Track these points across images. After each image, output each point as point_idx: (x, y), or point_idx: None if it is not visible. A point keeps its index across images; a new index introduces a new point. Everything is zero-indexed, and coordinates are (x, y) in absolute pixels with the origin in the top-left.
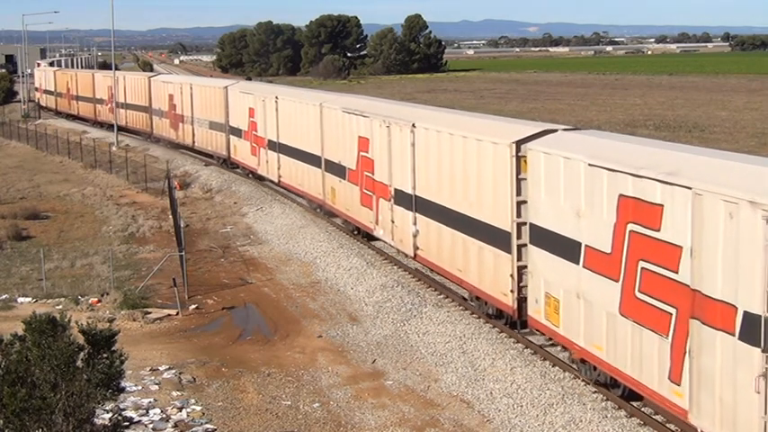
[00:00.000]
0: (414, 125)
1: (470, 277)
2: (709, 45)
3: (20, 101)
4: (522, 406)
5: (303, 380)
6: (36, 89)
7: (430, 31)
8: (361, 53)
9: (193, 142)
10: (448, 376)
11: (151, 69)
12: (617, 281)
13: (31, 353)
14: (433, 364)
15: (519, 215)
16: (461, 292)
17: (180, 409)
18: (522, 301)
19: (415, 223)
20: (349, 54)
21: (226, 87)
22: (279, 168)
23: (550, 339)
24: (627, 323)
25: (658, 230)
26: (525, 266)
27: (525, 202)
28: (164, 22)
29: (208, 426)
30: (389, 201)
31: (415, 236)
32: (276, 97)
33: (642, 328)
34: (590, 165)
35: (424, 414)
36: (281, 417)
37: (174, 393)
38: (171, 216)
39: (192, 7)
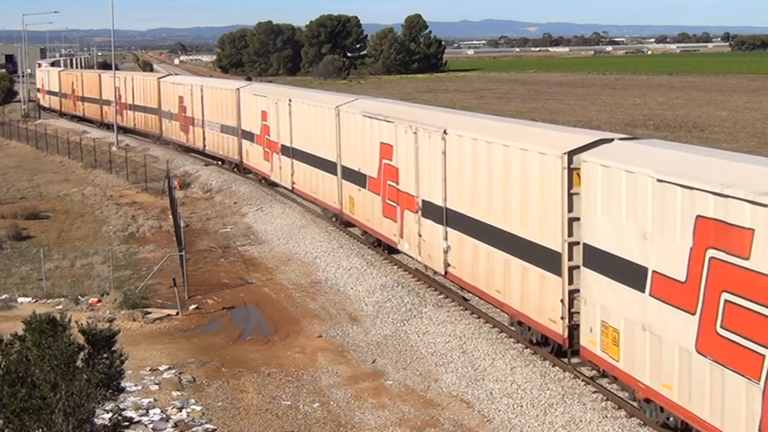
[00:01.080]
0: (445, 132)
1: (512, 300)
2: (710, 45)
3: (20, 101)
4: (522, 406)
5: (303, 380)
6: (38, 90)
7: (430, 31)
8: (361, 53)
9: (204, 146)
10: (448, 376)
11: (151, 69)
12: (693, 313)
13: (31, 353)
14: (433, 363)
15: (570, 234)
16: (493, 312)
17: (180, 409)
18: (573, 328)
19: (445, 238)
20: (349, 54)
21: (238, 89)
22: (292, 175)
23: (604, 372)
24: (705, 362)
25: (747, 258)
26: (577, 291)
27: (578, 219)
28: (164, 22)
29: (208, 426)
30: (416, 213)
31: (445, 252)
32: (290, 100)
33: (724, 368)
34: (659, 180)
35: (424, 414)
36: (281, 417)
37: (174, 393)
38: (171, 216)
39: (191, 7)
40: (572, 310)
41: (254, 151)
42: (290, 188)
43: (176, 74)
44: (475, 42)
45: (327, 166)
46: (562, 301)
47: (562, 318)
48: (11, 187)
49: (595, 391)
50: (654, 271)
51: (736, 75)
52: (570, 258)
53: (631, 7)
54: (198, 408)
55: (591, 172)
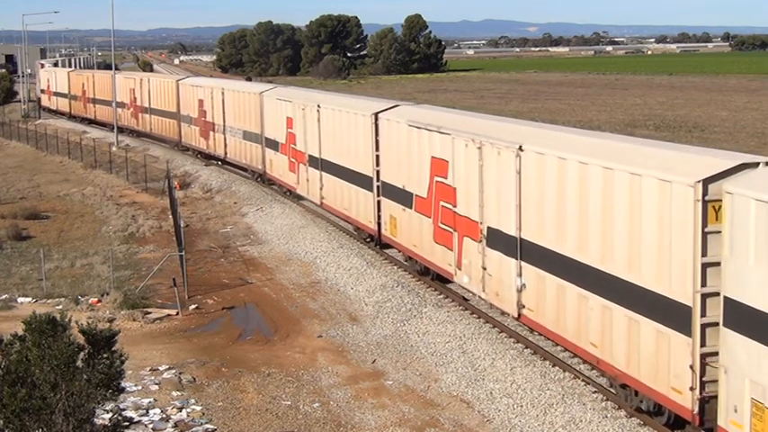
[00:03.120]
0: (521, 148)
1: (614, 358)
2: (710, 45)
3: (20, 101)
4: (522, 406)
5: (303, 380)
6: (42, 91)
7: (430, 31)
8: (361, 53)
9: (225, 153)
10: (448, 376)
11: (151, 69)
12: None
13: (31, 353)
14: (433, 364)
15: (705, 283)
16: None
17: (180, 409)
18: (704, 401)
19: (520, 275)
20: (349, 54)
21: (261, 93)
22: (321, 189)
23: None
24: None
25: None
26: (713, 355)
27: (716, 264)
28: (164, 22)
29: (208, 426)
30: (479, 242)
31: (519, 291)
32: (318, 106)
33: None
34: None
35: (424, 414)
36: (281, 417)
37: (174, 393)
38: (171, 216)
39: (191, 7)
40: (704, 379)
41: (278, 161)
42: (318, 203)
43: (195, 75)
44: (475, 42)
45: (362, 180)
46: (692, 367)
47: (691, 388)
48: (11, 187)
49: (595, 392)
50: None
51: (736, 75)
52: (704, 314)
53: (631, 7)
54: (198, 408)
55: (739, 206)
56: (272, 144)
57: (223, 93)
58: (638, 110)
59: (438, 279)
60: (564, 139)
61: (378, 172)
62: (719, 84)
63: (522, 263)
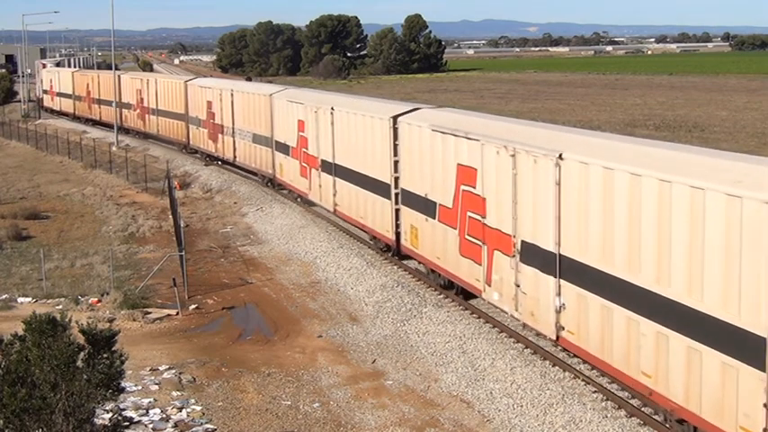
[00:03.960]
0: (561, 156)
1: (669, 390)
2: (710, 45)
3: (20, 101)
4: (522, 406)
5: (303, 380)
6: (44, 91)
7: (430, 31)
8: (361, 53)
9: (234, 157)
10: (448, 376)
11: (151, 69)
12: None
13: (31, 353)
14: (433, 363)
15: None
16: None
17: (180, 409)
18: None
19: (558, 294)
20: (349, 54)
21: (271, 95)
22: (335, 195)
23: None
24: None
25: None
26: None
27: None
28: (164, 22)
29: (208, 426)
30: (512, 257)
31: (558, 312)
32: (332, 108)
33: None
34: None
35: (424, 414)
36: (281, 417)
37: (174, 393)
38: (171, 216)
39: (191, 7)
40: None
41: (289, 166)
42: (331, 210)
43: (200, 76)
44: (475, 42)
45: (379, 187)
46: (766, 406)
47: (765, 430)
48: (11, 187)
49: (595, 391)
50: None
51: (736, 75)
52: None
53: (631, 7)
54: (198, 408)
55: None
56: (283, 148)
57: (232, 94)
58: (638, 110)
59: (463, 294)
60: (609, 146)
61: (396, 179)
62: (719, 84)
63: (562, 281)
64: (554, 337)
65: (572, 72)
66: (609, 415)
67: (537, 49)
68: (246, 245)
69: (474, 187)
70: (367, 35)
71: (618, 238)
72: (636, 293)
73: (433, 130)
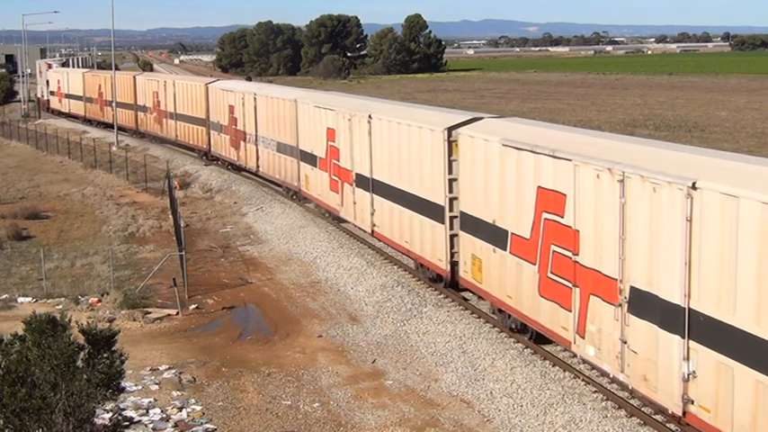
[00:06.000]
0: (693, 186)
1: None
2: (710, 45)
3: (20, 101)
4: (522, 406)
5: (303, 380)
6: (52, 92)
7: (430, 31)
8: (361, 53)
9: (258, 166)
10: (448, 376)
11: (151, 69)
12: None
13: (31, 353)
14: (433, 363)
15: None
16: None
17: (180, 409)
18: None
19: (686, 358)
20: (349, 54)
21: (296, 100)
22: (372, 215)
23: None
24: None
25: None
26: None
27: None
28: (164, 22)
29: (208, 426)
30: (617, 306)
31: (686, 380)
32: (369, 116)
33: None
34: None
35: (424, 414)
36: (281, 417)
37: (174, 393)
38: (171, 216)
39: (191, 7)
40: None
41: (316, 178)
42: (368, 231)
43: (224, 78)
44: (475, 42)
45: (430, 209)
46: None
47: None
48: (11, 187)
49: (595, 391)
50: None
51: (736, 75)
52: None
53: (631, 7)
54: (198, 408)
55: None
56: (309, 158)
57: (255, 98)
58: (638, 110)
59: (537, 339)
60: (764, 174)
61: (452, 200)
62: (719, 84)
63: (693, 343)
64: (679, 412)
65: (572, 72)
66: (609, 415)
67: (537, 49)
68: (246, 245)
69: (561, 216)
70: (367, 35)
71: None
72: None
73: (504, 145)
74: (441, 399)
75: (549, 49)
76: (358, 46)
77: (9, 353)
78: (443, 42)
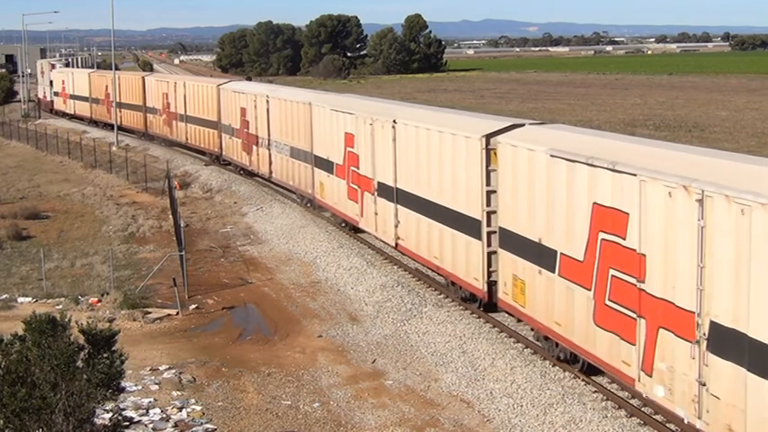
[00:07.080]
0: None
1: None
2: (710, 45)
3: (20, 101)
4: (522, 406)
5: (303, 380)
6: (56, 93)
7: (430, 31)
8: (361, 53)
9: (270, 172)
10: (448, 376)
11: (151, 69)
12: None
13: (31, 353)
14: (433, 363)
15: None
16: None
17: (180, 409)
18: None
19: None
20: (349, 54)
21: (309, 103)
22: (396, 227)
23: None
24: None
25: None
26: None
27: None
28: (164, 22)
29: (208, 426)
30: (694, 342)
31: None
32: (394, 121)
33: None
34: None
35: (424, 414)
36: (281, 417)
37: (174, 393)
38: (171, 216)
39: (191, 7)
40: None
41: (332, 185)
42: (391, 244)
43: (237, 80)
44: (475, 42)
45: (464, 223)
46: None
47: None
48: (11, 187)
49: (595, 391)
50: None
51: (736, 75)
52: None
53: (631, 7)
54: (198, 408)
55: None
56: (324, 164)
57: (267, 101)
58: (638, 109)
59: (588, 370)
60: None
61: (490, 214)
62: (719, 84)
63: None
64: None
65: (572, 72)
66: (609, 415)
67: (537, 49)
68: (246, 245)
69: (623, 238)
70: (367, 35)
71: None
72: None
73: (552, 156)
74: (441, 399)
75: (549, 49)
76: (358, 46)
77: (9, 353)
78: (443, 42)
